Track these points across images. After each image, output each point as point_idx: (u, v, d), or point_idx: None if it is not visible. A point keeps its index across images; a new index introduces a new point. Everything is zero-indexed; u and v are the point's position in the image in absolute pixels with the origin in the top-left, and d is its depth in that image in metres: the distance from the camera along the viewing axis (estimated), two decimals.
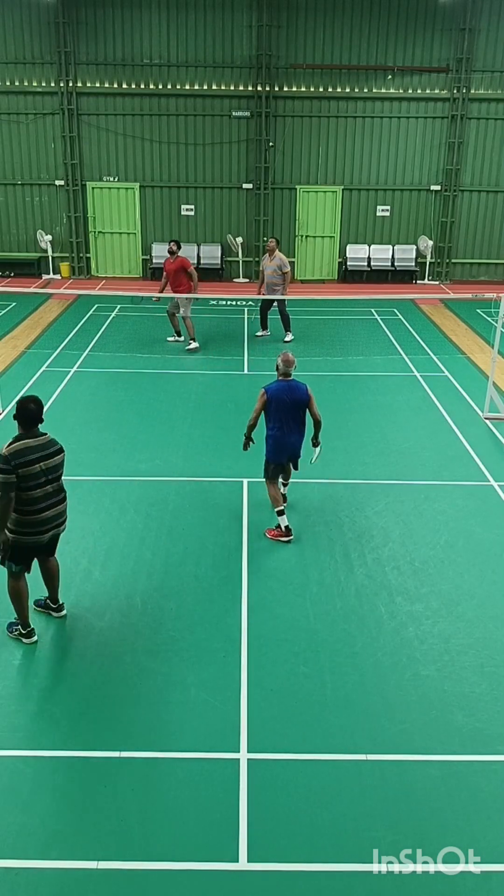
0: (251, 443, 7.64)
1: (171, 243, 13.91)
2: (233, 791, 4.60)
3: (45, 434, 5.70)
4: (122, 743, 4.94)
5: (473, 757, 4.90)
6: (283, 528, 7.43)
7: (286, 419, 7.38)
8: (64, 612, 6.25)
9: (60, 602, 6.25)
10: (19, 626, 5.92)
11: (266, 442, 7.53)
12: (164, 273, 13.94)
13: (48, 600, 6.25)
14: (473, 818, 4.46)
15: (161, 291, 14.01)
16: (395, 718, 5.20)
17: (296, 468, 7.88)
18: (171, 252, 13.79)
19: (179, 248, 13.92)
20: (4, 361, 13.02)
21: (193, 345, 13.91)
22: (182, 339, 14.31)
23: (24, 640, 5.90)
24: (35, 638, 5.93)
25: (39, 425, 5.69)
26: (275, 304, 14.42)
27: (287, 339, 14.49)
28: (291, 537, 7.41)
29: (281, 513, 7.46)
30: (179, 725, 5.11)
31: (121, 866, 4.15)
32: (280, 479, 7.86)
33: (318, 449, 7.79)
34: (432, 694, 5.44)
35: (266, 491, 7.67)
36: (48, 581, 6.15)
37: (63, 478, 5.82)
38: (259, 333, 14.87)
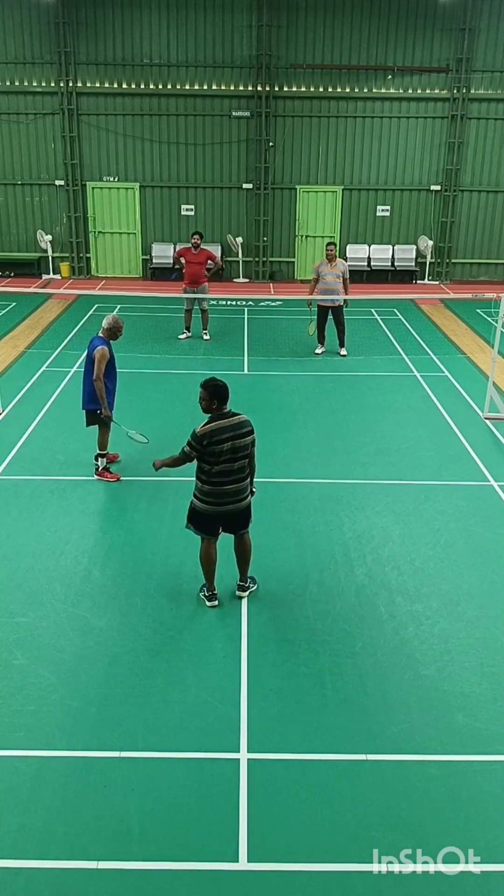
0: None
1: (197, 236, 14.14)
2: (233, 791, 4.59)
3: (238, 414, 6.01)
4: (122, 743, 4.94)
5: (473, 757, 4.90)
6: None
7: None
8: (245, 593, 6.47)
9: (247, 583, 6.50)
10: (205, 588, 6.40)
11: None
12: (183, 263, 14.02)
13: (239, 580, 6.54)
14: (473, 818, 4.46)
15: (185, 282, 14.06)
16: (395, 718, 5.19)
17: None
18: (195, 246, 13.94)
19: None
20: (4, 361, 13.01)
21: (206, 336, 14.46)
22: (189, 335, 14.57)
23: (207, 603, 6.34)
24: (216, 602, 6.33)
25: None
26: (330, 314, 13.38)
27: (342, 352, 13.55)
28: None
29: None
30: (179, 725, 5.10)
31: (121, 866, 4.15)
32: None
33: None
34: (432, 694, 5.43)
35: None
36: (237, 558, 6.44)
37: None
38: (319, 350, 13.67)
